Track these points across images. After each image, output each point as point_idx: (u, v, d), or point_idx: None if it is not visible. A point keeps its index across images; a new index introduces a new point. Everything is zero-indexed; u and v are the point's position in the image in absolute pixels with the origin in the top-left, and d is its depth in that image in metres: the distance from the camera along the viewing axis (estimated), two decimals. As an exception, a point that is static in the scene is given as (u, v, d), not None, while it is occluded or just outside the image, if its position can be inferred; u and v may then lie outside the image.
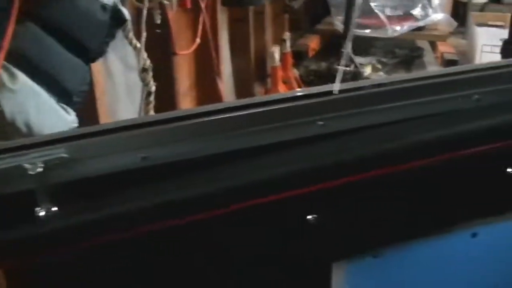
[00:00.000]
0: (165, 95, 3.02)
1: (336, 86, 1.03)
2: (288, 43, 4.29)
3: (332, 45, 4.77)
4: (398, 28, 4.76)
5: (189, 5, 2.99)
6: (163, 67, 2.95)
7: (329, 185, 1.02)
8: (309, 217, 1.03)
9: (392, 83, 1.06)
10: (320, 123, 1.02)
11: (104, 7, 1.68)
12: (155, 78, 2.63)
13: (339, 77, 1.07)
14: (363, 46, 4.95)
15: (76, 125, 1.75)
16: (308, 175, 1.03)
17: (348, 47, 4.61)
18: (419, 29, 4.91)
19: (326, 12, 5.05)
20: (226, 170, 1.00)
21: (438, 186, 1.13)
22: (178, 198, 0.97)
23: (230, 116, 1.00)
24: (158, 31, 2.70)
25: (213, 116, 0.99)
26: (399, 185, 1.09)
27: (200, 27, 3.19)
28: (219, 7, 3.44)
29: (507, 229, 1.23)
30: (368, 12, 4.78)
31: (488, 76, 1.08)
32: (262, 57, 4.26)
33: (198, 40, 3.17)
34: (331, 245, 1.10)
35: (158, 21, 2.64)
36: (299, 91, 1.06)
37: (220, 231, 1.02)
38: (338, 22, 4.70)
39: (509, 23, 3.57)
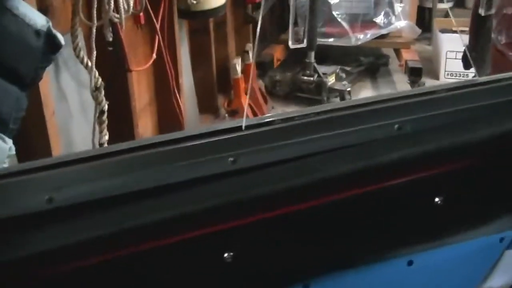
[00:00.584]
0: (121, 113, 2.99)
1: (243, 122, 1.00)
2: (250, 54, 4.27)
3: (298, 55, 4.76)
4: (361, 36, 4.76)
5: (142, 21, 2.96)
6: (118, 85, 2.92)
7: (245, 221, 0.99)
8: (225, 254, 1.01)
9: (306, 115, 1.04)
10: (231, 159, 0.99)
11: (37, 32, 1.64)
12: (111, 96, 2.60)
13: (245, 112, 1.04)
14: (328, 55, 4.94)
15: (13, 152, 1.71)
16: (222, 212, 1.00)
17: (311, 57, 4.63)
18: (383, 36, 4.91)
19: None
20: (137, 209, 0.97)
21: (367, 216, 1.11)
22: (84, 239, 0.94)
23: (138, 155, 0.97)
24: (110, 48, 2.67)
25: (119, 155, 0.96)
26: (325, 216, 1.07)
27: (156, 41, 3.18)
28: (176, 19, 3.40)
29: (442, 256, 1.22)
30: (331, 21, 4.78)
31: (411, 104, 1.06)
32: (225, 69, 4.24)
33: (154, 56, 3.15)
34: (251, 281, 1.08)
35: (110, 39, 2.61)
36: (209, 128, 1.03)
37: (133, 271, 0.99)
38: (302, 32, 4.69)
39: (470, 29, 3.54)
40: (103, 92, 2.54)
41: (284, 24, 5.13)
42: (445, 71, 5.18)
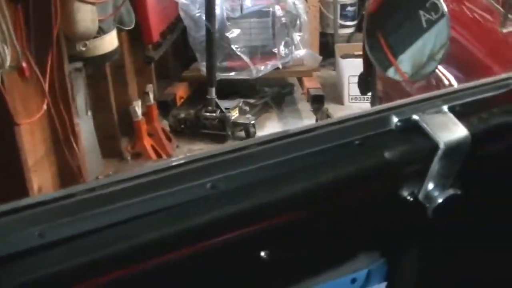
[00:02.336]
0: (11, 168, 2.91)
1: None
2: (151, 95, 4.25)
3: (201, 91, 4.77)
4: (262, 67, 4.81)
5: (27, 73, 2.90)
6: (7, 140, 2.85)
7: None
8: None
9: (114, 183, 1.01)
10: None
11: None
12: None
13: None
14: (232, 89, 4.97)
15: None
16: None
17: (212, 93, 4.64)
18: (285, 67, 4.97)
19: (194, 58, 5.03)
20: None
21: (193, 278, 1.07)
22: None
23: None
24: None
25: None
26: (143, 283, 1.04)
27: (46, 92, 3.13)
28: (66, 67, 3.36)
29: None
30: (232, 55, 4.81)
31: (224, 161, 1.05)
32: (126, 112, 4.20)
33: (44, 107, 3.09)
34: None
35: (-8, 94, 2.55)
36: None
37: None
38: (203, 68, 4.70)
39: (362, 55, 3.61)
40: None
41: (186, 62, 5.14)
42: (349, 95, 5.28)
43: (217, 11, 4.75)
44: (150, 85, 4.31)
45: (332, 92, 5.35)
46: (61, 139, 3.36)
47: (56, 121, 3.28)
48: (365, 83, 3.69)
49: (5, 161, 2.71)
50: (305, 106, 5.06)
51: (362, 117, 1.17)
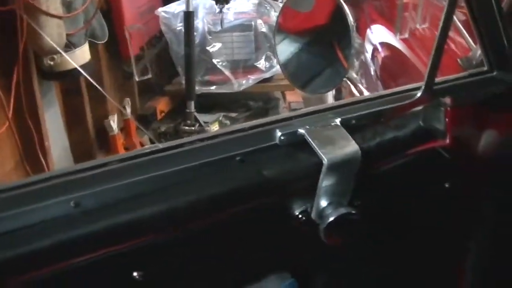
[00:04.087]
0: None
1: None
2: (128, 109, 4.23)
3: (183, 106, 4.74)
4: (243, 81, 4.77)
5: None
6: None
7: None
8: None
9: None
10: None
11: None
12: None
13: None
14: (216, 103, 4.94)
15: None
16: None
17: (191, 107, 4.61)
18: (267, 80, 4.93)
19: (177, 72, 5.01)
20: None
21: None
22: None
23: None
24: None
25: None
26: None
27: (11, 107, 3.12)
28: (35, 81, 3.34)
29: None
30: (213, 69, 4.78)
31: (88, 177, 1.02)
32: (104, 127, 4.17)
33: (7, 123, 3.08)
34: None
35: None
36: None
37: None
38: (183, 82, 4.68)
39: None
40: None
41: (169, 76, 5.12)
42: (333, 108, 5.23)
43: (199, 25, 4.74)
44: (127, 99, 4.29)
45: (316, 105, 5.30)
46: (32, 153, 3.34)
47: (21, 136, 3.27)
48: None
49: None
50: (288, 120, 5.01)
51: (245, 131, 1.13)
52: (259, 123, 1.15)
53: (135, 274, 1.01)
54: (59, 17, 3.23)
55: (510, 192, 1.40)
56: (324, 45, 1.75)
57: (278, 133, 1.12)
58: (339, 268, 1.31)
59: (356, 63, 3.78)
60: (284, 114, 1.20)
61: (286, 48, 1.82)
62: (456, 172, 1.32)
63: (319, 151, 1.11)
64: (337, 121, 1.18)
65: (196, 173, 1.05)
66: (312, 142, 1.12)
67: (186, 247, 1.06)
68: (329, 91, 1.80)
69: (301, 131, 1.13)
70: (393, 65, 3.28)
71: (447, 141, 1.27)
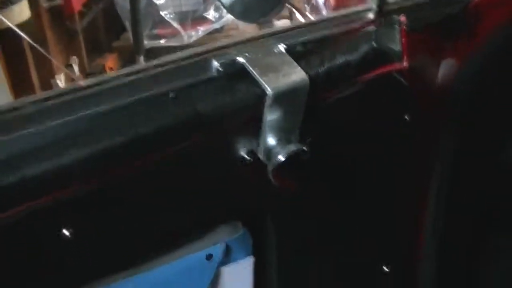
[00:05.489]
0: None
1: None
2: (75, 68, 4.08)
3: (133, 62, 4.59)
4: (193, 33, 4.65)
5: None
6: None
7: None
8: None
9: None
10: None
11: None
12: None
13: None
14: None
15: None
16: None
17: (140, 62, 4.46)
18: (218, 31, 4.81)
19: (125, 28, 4.85)
20: None
21: None
22: None
23: None
24: None
25: None
26: None
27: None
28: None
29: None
30: (161, 22, 4.64)
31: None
32: (50, 88, 4.02)
33: None
34: None
35: None
36: None
37: None
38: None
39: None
40: None
41: (116, 31, 4.96)
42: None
43: (144, -24, 4.58)
44: (74, 57, 4.14)
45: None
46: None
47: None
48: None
49: None
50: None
51: (178, 62, 1.02)
52: (193, 52, 1.03)
53: (64, 231, 0.92)
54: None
55: (471, 127, 1.34)
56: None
57: (215, 63, 1.01)
58: (293, 214, 1.23)
59: (307, 8, 3.68)
60: (220, 41, 1.08)
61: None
62: (416, 102, 1.24)
63: (261, 80, 1.00)
64: (281, 47, 1.07)
65: (124, 112, 0.94)
66: (253, 71, 1.01)
67: (118, 197, 0.97)
68: (279, 11, 1.67)
69: (240, 59, 1.02)
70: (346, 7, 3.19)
71: (404, 64, 1.17)
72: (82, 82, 0.94)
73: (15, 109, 0.89)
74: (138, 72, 0.98)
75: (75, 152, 0.89)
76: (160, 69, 1.01)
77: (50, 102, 0.91)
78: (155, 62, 1.00)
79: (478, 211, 1.48)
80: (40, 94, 0.92)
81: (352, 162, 1.25)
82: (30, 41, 2.86)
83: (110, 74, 0.98)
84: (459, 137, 1.34)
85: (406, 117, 1.25)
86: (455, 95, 1.27)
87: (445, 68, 1.23)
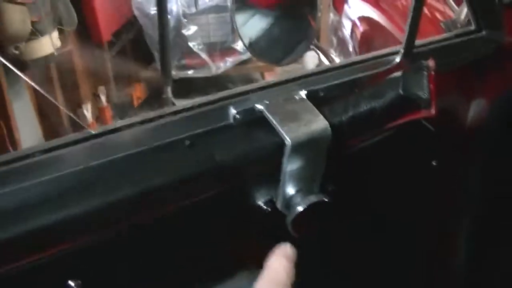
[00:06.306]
0: None
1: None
2: (103, 98, 4.09)
3: (159, 91, 4.59)
4: (221, 64, 4.63)
5: None
6: None
7: None
8: None
9: None
10: None
11: None
12: None
13: None
14: (194, 87, 4.79)
15: None
16: None
17: (168, 92, 4.46)
18: (246, 62, 4.79)
19: (153, 58, 4.87)
20: None
21: None
22: None
23: None
24: None
25: None
26: None
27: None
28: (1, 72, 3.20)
29: None
30: (190, 52, 4.64)
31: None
32: (77, 116, 4.03)
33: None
34: None
35: None
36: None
37: None
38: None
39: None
40: None
41: (144, 61, 4.97)
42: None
43: (173, 7, 4.58)
44: (102, 87, 4.14)
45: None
46: (1, 146, 3.21)
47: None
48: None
49: None
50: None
51: (194, 109, 0.97)
52: (210, 99, 0.99)
53: (70, 283, 0.87)
54: (22, 3, 3.07)
55: (501, 169, 1.27)
56: (289, 14, 1.61)
57: (233, 111, 0.96)
58: (314, 261, 1.17)
59: (334, 40, 3.65)
60: (239, 87, 1.02)
61: (249, 28, 1.67)
62: (444, 148, 1.18)
63: (280, 129, 0.95)
64: (302, 93, 1.02)
65: (139, 161, 0.89)
66: (272, 119, 0.96)
67: (130, 248, 0.92)
68: (304, 52, 1.61)
69: (259, 106, 0.98)
70: (373, 40, 3.15)
71: (432, 111, 1.10)
72: (94, 130, 0.90)
73: (23, 157, 0.85)
74: (152, 119, 0.94)
75: (84, 203, 0.84)
76: (176, 116, 0.96)
77: (59, 152, 0.86)
78: (172, 109, 0.96)
79: (505, 258, 1.41)
80: (49, 142, 0.88)
81: (376, 208, 1.19)
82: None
83: (123, 121, 0.93)
84: (486, 178, 1.28)
85: (433, 162, 1.19)
86: (484, 136, 1.21)
87: (474, 110, 1.17)
